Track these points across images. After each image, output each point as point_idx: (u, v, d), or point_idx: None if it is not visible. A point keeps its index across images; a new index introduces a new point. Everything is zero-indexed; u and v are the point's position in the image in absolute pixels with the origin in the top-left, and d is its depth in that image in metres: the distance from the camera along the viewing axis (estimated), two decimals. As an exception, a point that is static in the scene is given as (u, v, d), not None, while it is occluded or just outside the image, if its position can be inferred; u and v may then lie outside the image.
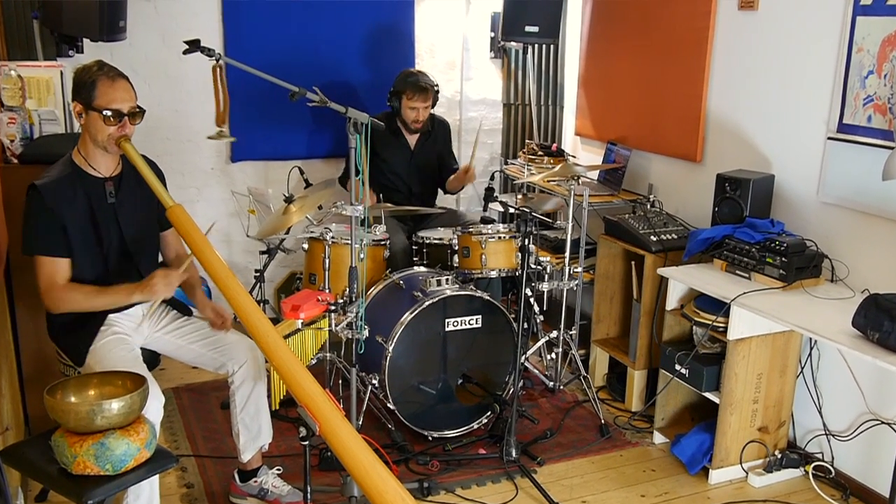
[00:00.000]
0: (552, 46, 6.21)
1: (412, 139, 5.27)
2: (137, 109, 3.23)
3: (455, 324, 4.17)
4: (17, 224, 3.24)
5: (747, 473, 4.00)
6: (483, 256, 4.41)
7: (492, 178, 5.32)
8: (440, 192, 5.53)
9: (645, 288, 4.49)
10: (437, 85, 5.15)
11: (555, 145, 5.82)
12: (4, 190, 3.63)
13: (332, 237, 4.30)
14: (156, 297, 3.13)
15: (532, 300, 4.82)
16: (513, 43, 5.95)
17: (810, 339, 3.99)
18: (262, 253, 5.16)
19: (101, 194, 3.28)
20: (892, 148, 3.48)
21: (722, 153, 4.63)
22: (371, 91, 5.71)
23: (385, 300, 4.32)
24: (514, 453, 4.01)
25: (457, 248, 4.52)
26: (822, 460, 4.03)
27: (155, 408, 2.99)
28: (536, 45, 6.16)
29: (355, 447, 2.55)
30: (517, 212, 4.38)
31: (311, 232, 4.44)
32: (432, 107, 5.19)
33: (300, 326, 3.39)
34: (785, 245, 3.80)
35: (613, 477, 4.04)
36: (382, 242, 4.52)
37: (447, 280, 4.20)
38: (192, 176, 5.51)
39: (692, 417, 4.36)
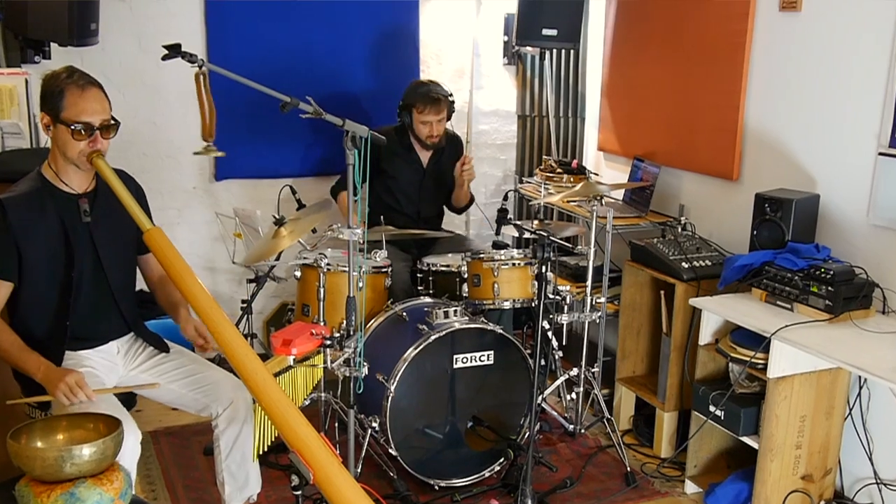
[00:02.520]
0: (572, 52, 6.24)
1: (425, 156, 5.30)
2: (111, 122, 3.27)
3: (464, 360, 4.19)
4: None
5: (791, 528, 4.01)
6: (495, 285, 4.43)
7: (505, 198, 5.33)
8: (446, 214, 5.56)
9: (675, 320, 4.50)
10: (451, 95, 5.18)
11: (575, 162, 5.85)
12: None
13: (328, 264, 4.33)
14: (53, 395, 3.08)
15: (550, 334, 4.84)
16: (528, 48, 6.00)
17: (859, 377, 4.00)
18: (250, 281, 5.18)
19: (74, 213, 3.33)
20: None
21: (761, 170, 4.66)
22: (371, 101, 5.75)
23: (386, 334, 4.35)
24: (529, 505, 4.02)
25: (466, 275, 4.54)
26: (875, 513, 4.04)
27: (131, 444, 3.02)
28: (555, 51, 6.20)
29: (353, 497, 2.56)
30: (533, 236, 4.40)
31: (305, 258, 4.46)
32: (448, 119, 5.22)
33: (292, 363, 3.39)
34: (831, 273, 3.81)
35: (641, 532, 4.05)
36: (384, 270, 4.55)
37: (455, 311, 4.22)
38: (172, 196, 5.55)
39: (728, 464, 4.36)
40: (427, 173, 5.33)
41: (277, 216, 4.45)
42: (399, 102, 5.18)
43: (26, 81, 4.19)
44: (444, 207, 5.54)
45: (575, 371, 4.77)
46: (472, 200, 5.53)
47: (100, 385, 3.27)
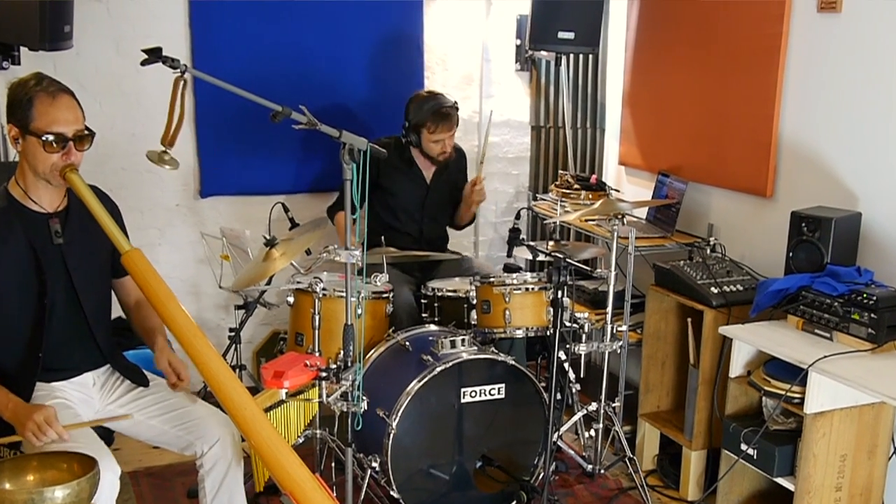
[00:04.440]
0: (591, 57, 6.27)
1: (429, 171, 5.33)
2: (85, 132, 3.30)
3: (473, 394, 4.20)
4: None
5: (831, 579, 4.00)
6: (507, 312, 4.44)
7: (517, 216, 5.35)
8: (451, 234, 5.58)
9: (703, 350, 4.51)
10: (455, 102, 5.21)
11: (594, 177, 5.87)
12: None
13: (324, 289, 4.34)
14: (22, 435, 3.08)
15: (566, 365, 4.83)
16: (543, 52, 6.02)
17: (907, 413, 4.00)
18: (239, 308, 5.20)
19: (44, 234, 3.35)
20: None
21: (797, 187, 4.67)
22: (371, 111, 5.77)
23: (387, 365, 4.36)
24: (544, 554, 4.02)
25: (475, 301, 4.56)
26: (925, 563, 4.03)
27: (109, 481, 3.03)
28: (572, 56, 6.22)
29: (350, 544, 2.57)
30: (548, 258, 4.41)
31: (298, 282, 4.48)
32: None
33: (284, 397, 3.42)
34: (874, 298, 3.81)
35: (667, 584, 4.04)
36: (385, 295, 4.57)
37: (463, 341, 4.24)
38: (153, 214, 5.57)
39: (763, 510, 4.36)
40: (431, 189, 5.35)
41: (268, 236, 4.47)
42: (403, 122, 5.19)
43: (-8, 89, 4.21)
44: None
45: (594, 406, 4.77)
46: (473, 218, 5.54)
47: (74, 418, 3.29)
